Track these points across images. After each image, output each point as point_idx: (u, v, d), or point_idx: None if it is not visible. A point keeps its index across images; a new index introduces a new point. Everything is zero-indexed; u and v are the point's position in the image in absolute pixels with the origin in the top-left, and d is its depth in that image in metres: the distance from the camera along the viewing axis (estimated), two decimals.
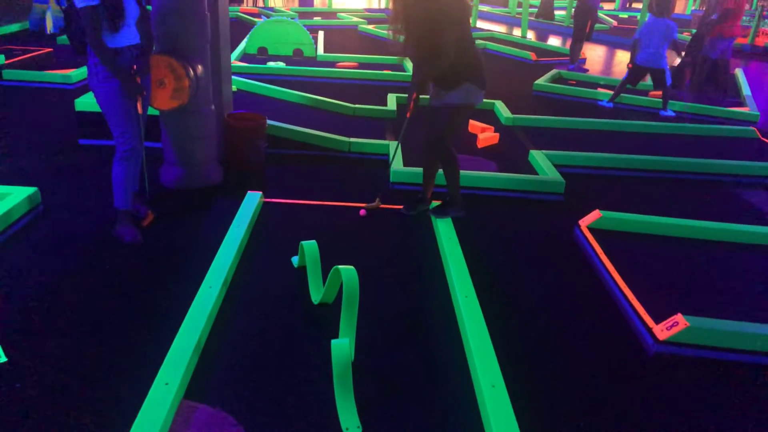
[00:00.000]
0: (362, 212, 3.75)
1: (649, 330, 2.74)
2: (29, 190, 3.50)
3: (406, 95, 3.59)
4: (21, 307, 2.66)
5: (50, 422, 2.04)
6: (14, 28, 9.37)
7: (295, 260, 3.14)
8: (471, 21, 3.49)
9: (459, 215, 3.73)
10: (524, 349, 2.62)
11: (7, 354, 2.35)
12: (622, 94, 7.13)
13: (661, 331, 2.69)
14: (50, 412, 2.08)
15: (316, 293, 2.82)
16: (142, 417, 1.99)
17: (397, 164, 4.35)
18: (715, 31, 7.46)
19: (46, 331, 2.51)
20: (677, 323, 2.66)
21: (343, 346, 2.19)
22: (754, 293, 3.21)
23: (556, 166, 4.66)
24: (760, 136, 6.12)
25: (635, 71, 6.88)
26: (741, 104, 7.41)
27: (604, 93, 7.33)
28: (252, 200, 3.72)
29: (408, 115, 3.59)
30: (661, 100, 6.93)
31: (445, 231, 3.49)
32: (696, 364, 2.61)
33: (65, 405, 2.12)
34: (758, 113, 6.83)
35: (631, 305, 2.93)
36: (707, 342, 2.66)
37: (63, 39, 8.52)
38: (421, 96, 3.52)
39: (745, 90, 7.92)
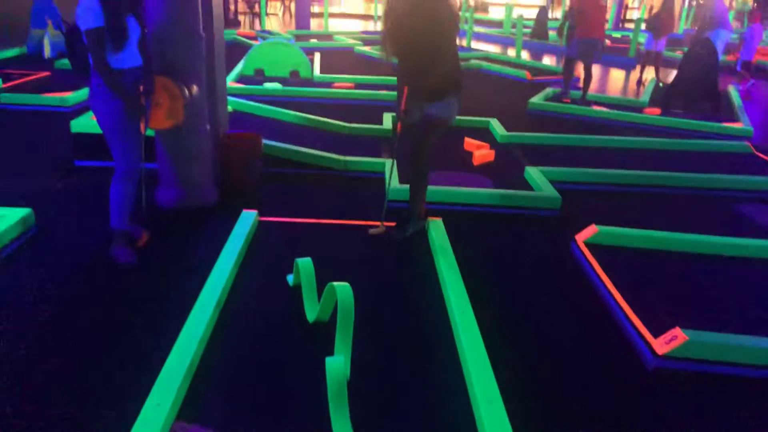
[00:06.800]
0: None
1: (648, 344, 2.71)
2: (23, 212, 3.48)
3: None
4: (14, 328, 2.63)
5: None
6: (12, 52, 9.43)
7: (290, 278, 3.12)
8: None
9: (418, 228, 3.74)
10: (522, 365, 2.59)
11: None
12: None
13: (660, 345, 2.66)
14: None
15: (312, 311, 2.80)
16: None
17: (393, 182, 4.34)
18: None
19: (41, 349, 2.49)
20: (676, 337, 2.64)
21: (338, 364, 2.17)
22: (752, 306, 3.19)
23: (551, 182, 4.66)
24: (754, 151, 6.14)
25: None
26: (735, 120, 7.45)
27: (602, 111, 7.39)
28: (247, 219, 3.70)
29: (399, 128, 3.58)
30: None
31: (441, 247, 3.48)
32: (696, 379, 2.58)
33: (56, 426, 2.09)
34: (752, 128, 6.87)
35: (629, 320, 2.90)
36: (707, 356, 2.63)
37: (61, 63, 8.58)
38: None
39: (738, 105, 7.98)
